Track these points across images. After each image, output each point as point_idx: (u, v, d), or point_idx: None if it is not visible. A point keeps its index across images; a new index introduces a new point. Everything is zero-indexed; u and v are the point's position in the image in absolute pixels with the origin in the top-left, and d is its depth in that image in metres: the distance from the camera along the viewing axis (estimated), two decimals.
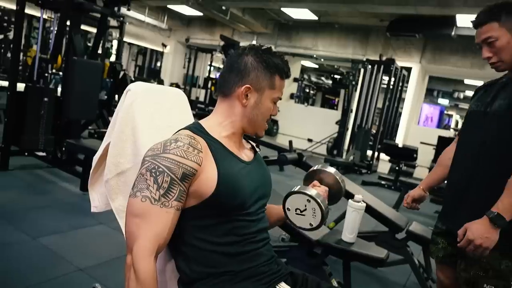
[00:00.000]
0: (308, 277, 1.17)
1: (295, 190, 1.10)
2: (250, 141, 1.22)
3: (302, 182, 1.27)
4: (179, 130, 1.08)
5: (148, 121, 1.21)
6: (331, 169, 1.26)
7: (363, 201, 1.91)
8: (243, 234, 1.04)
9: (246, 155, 1.14)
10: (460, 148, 1.50)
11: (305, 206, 1.08)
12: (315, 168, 1.27)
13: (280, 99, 1.14)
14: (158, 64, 13.03)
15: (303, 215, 1.10)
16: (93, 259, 2.28)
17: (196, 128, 1.07)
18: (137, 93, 1.22)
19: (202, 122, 1.11)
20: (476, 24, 1.35)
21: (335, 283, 2.01)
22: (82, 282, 2.01)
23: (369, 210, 2.63)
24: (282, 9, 7.88)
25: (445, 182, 1.57)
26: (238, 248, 1.03)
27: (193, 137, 1.01)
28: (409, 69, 8.48)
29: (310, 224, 1.09)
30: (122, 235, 0.99)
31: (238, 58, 1.09)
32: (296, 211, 1.10)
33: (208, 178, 0.98)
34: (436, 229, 1.56)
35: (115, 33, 7.17)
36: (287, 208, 1.11)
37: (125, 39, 6.49)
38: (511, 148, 1.29)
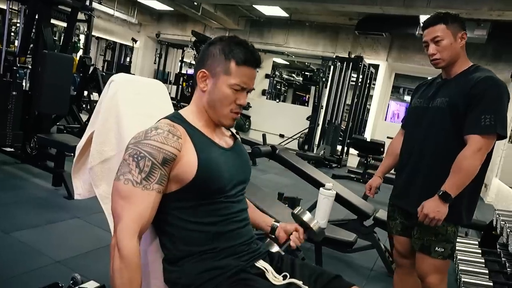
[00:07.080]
0: (283, 256, 1.27)
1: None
2: (230, 129, 1.29)
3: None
4: (160, 120, 1.14)
5: (131, 109, 1.27)
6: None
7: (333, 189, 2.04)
8: (225, 215, 1.12)
9: (225, 141, 1.21)
10: (407, 139, 1.71)
11: None
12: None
13: (244, 88, 1.11)
14: (128, 59, 12.79)
15: None
16: (70, 252, 2.28)
17: (175, 117, 1.14)
18: (120, 84, 1.28)
19: (181, 111, 1.18)
20: (428, 24, 1.55)
21: None
22: (59, 273, 2.01)
23: (339, 199, 2.78)
24: (254, 5, 7.96)
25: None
26: (221, 227, 1.11)
27: (173, 125, 1.08)
28: (376, 67, 8.78)
29: None
30: (98, 228, 1.05)
31: (205, 47, 1.15)
32: None
33: (188, 163, 1.05)
34: (391, 208, 1.78)
35: (83, 27, 7.00)
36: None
37: (93, 33, 6.33)
38: (451, 137, 1.50)
